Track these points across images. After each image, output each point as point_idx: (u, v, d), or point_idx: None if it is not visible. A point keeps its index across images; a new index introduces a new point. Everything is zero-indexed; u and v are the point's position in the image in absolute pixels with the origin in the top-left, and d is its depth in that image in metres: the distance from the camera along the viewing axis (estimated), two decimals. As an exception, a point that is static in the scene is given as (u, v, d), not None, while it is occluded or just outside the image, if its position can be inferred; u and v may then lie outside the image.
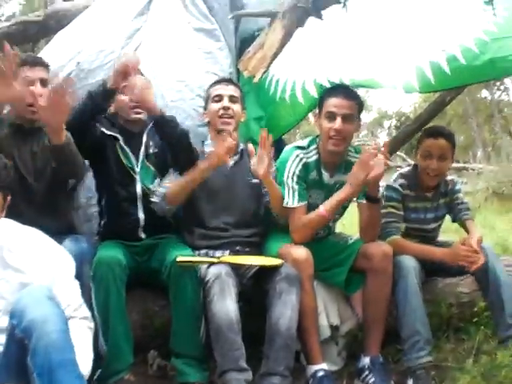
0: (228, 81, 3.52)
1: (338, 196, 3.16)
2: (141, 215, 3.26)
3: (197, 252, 3.17)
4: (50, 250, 2.45)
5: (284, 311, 2.88)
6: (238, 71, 3.90)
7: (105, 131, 3.28)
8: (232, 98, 3.38)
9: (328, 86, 3.53)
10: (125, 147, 3.28)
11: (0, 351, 2.15)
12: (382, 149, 3.13)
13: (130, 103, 3.26)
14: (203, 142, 3.46)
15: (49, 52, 4.13)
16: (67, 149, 2.89)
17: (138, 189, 3.27)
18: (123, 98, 3.28)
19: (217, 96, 3.39)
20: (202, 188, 3.28)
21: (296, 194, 3.22)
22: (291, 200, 3.22)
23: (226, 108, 3.35)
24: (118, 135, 3.30)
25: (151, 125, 3.30)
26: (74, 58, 3.88)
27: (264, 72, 3.15)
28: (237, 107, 3.39)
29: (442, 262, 3.38)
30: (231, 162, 3.38)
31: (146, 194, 3.27)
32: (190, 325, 2.94)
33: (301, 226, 3.21)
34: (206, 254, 3.16)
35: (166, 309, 3.18)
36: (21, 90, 2.68)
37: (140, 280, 3.18)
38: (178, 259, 2.87)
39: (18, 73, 2.77)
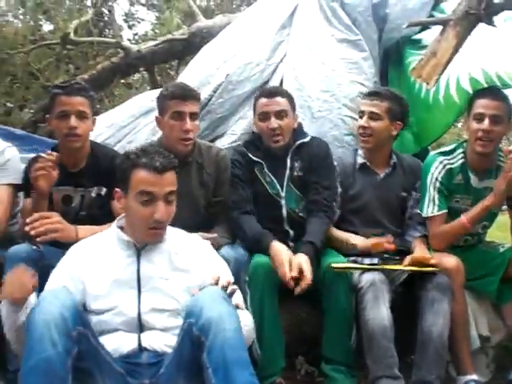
0: (374, 95, 3.37)
1: (482, 205, 3.11)
2: (290, 233, 3.26)
3: (345, 259, 3.16)
4: (211, 255, 2.56)
5: (436, 320, 2.86)
6: (382, 80, 3.93)
7: (251, 156, 3.29)
8: (373, 115, 3.28)
9: (482, 79, 3.46)
10: (269, 174, 3.27)
11: (170, 349, 2.26)
12: None
13: (269, 131, 3.23)
14: (356, 150, 3.47)
15: (196, 63, 4.37)
16: None
17: (284, 212, 3.27)
18: (261, 124, 3.27)
19: (360, 112, 3.36)
20: (354, 200, 3.32)
21: (436, 202, 3.20)
22: (431, 208, 3.21)
23: (363, 127, 3.30)
24: (262, 161, 3.28)
25: (295, 147, 3.29)
26: (220, 68, 4.06)
27: (437, 79, 3.14)
28: (376, 124, 3.28)
29: None
30: (382, 174, 3.37)
31: (292, 216, 3.27)
32: (342, 331, 2.96)
33: (440, 233, 3.19)
34: (355, 261, 3.14)
35: (312, 315, 3.23)
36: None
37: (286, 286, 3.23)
38: (334, 265, 2.91)
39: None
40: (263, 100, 3.26)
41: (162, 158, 2.36)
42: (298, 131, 3.35)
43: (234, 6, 11.30)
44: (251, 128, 3.69)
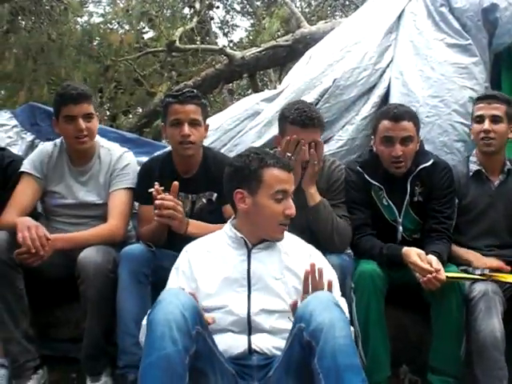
0: (491, 98, 3.23)
1: None
2: None
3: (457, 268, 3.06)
4: (321, 262, 2.54)
5: None
6: (493, 86, 3.83)
7: (368, 179, 3.16)
8: (495, 118, 3.15)
9: None
10: (387, 199, 3.15)
11: (279, 352, 2.26)
12: None
13: (392, 158, 3.06)
14: (468, 157, 3.37)
15: (300, 68, 4.46)
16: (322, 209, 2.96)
17: (399, 237, 3.18)
18: (383, 149, 3.09)
19: (478, 117, 3.21)
20: (468, 210, 3.22)
21: None
22: None
23: (486, 131, 3.15)
24: (381, 186, 3.15)
25: (416, 172, 3.13)
26: (326, 72, 4.10)
27: None
28: (499, 127, 3.15)
29: None
30: (496, 182, 3.24)
31: (406, 239, 3.18)
32: (452, 341, 2.87)
33: None
34: (466, 271, 3.08)
35: (416, 322, 3.18)
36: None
37: (390, 294, 3.18)
38: (448, 275, 2.82)
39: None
40: (387, 123, 3.05)
41: (283, 158, 2.51)
42: (420, 152, 3.17)
43: (329, 12, 11.29)
44: (358, 135, 3.67)
